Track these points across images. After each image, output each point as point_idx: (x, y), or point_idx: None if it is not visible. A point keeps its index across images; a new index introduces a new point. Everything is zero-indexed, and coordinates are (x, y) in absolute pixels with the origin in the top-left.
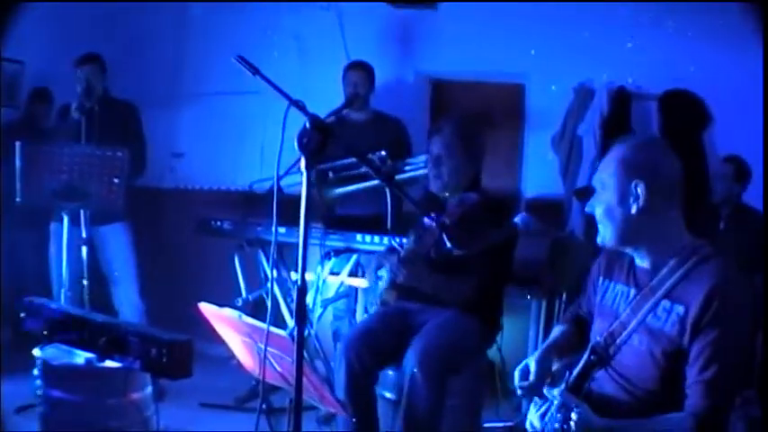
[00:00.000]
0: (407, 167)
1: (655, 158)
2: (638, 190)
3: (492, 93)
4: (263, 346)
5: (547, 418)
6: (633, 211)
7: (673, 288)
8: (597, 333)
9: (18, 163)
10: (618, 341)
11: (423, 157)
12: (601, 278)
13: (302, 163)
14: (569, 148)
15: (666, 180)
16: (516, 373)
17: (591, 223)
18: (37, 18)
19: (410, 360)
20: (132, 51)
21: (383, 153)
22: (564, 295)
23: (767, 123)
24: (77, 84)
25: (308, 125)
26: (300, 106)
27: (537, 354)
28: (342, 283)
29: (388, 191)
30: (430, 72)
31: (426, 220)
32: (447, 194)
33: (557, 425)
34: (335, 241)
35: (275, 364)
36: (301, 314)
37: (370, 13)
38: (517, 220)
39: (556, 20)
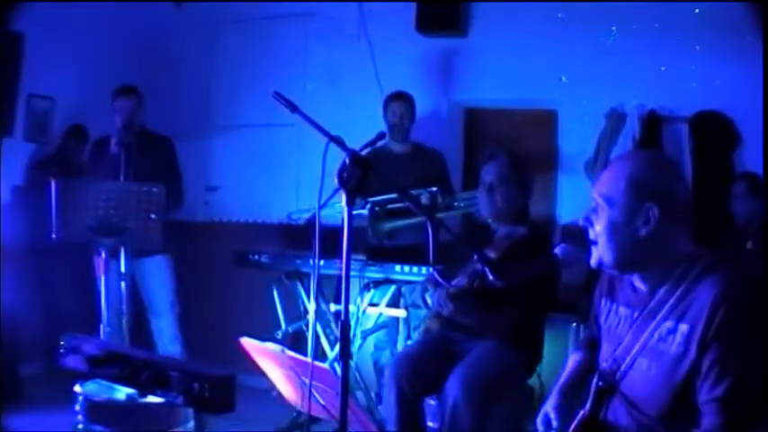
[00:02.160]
0: (457, 203)
1: (669, 180)
2: (651, 213)
3: (525, 120)
4: (306, 380)
5: None
6: (642, 234)
7: (675, 307)
8: (604, 358)
9: (54, 199)
10: (623, 367)
11: (472, 193)
12: (604, 300)
13: (343, 198)
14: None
15: (679, 203)
16: (539, 422)
17: None
18: (68, 53)
19: (453, 388)
20: (163, 84)
21: (434, 189)
22: None
23: (767, 126)
24: (116, 116)
25: (347, 161)
26: (339, 141)
27: (553, 400)
28: (381, 314)
29: (429, 225)
30: (463, 101)
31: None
32: (494, 225)
33: None
34: (374, 272)
35: (318, 397)
36: (346, 349)
37: (401, 42)
38: (557, 251)
39: (585, 45)
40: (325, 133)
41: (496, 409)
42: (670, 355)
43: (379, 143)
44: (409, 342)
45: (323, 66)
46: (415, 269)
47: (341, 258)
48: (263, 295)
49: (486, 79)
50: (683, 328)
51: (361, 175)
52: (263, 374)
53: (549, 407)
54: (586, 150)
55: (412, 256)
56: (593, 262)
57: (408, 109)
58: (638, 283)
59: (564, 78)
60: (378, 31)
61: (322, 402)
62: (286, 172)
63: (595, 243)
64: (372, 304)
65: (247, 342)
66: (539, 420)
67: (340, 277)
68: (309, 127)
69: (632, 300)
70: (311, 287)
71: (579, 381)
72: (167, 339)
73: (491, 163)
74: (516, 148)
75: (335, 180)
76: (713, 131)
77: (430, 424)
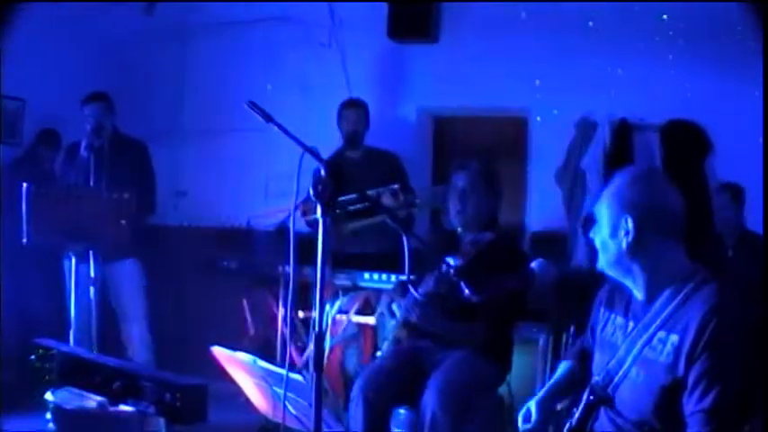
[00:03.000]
0: (417, 200)
1: (646, 193)
2: (628, 224)
3: (495, 127)
4: (278, 390)
5: None
6: (623, 245)
7: (668, 319)
8: (596, 369)
9: (24, 204)
10: (616, 379)
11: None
12: (602, 309)
13: (318, 210)
14: (573, 181)
15: (658, 215)
16: (519, 417)
17: (596, 256)
18: (38, 57)
19: (430, 399)
20: (133, 89)
21: (395, 186)
22: (572, 329)
23: (767, 133)
24: (86, 122)
25: (322, 173)
26: (314, 153)
27: (539, 396)
28: (350, 322)
29: (403, 234)
30: (432, 108)
31: (444, 266)
32: (462, 231)
33: None
34: (343, 280)
35: (290, 407)
36: (320, 360)
37: (371, 49)
38: (534, 266)
39: (557, 53)
40: (301, 144)
41: (470, 420)
42: (658, 363)
43: (334, 150)
44: (378, 352)
45: (293, 72)
46: (384, 276)
47: (308, 265)
48: (232, 301)
49: (457, 86)
50: (674, 338)
51: (335, 186)
52: (231, 380)
53: (532, 402)
54: (557, 159)
55: (378, 263)
56: (598, 266)
57: (362, 115)
58: (637, 293)
59: (536, 84)
60: (349, 37)
61: (294, 413)
62: (255, 177)
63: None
64: (342, 312)
65: (218, 351)
66: (520, 415)
67: (307, 284)
68: (279, 132)
69: (629, 310)
70: (280, 293)
71: (566, 387)
72: (138, 345)
73: (462, 171)
74: (486, 155)
75: (311, 192)
76: (684, 140)
77: None
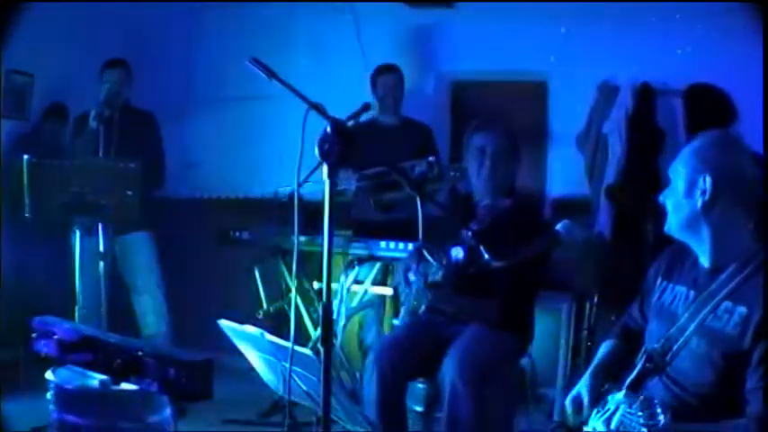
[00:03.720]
0: (450, 174)
1: (727, 156)
2: (706, 183)
3: (514, 92)
4: (286, 365)
5: (617, 421)
6: (698, 205)
7: (736, 289)
8: (653, 337)
9: (25, 177)
10: (675, 347)
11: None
12: (660, 278)
13: (324, 171)
14: (595, 146)
15: (736, 180)
16: (568, 403)
17: (621, 223)
18: (46, 30)
19: (448, 372)
20: (144, 60)
21: (432, 158)
22: (595, 299)
23: (767, 126)
24: (100, 91)
25: (328, 130)
26: (320, 109)
27: (586, 380)
28: (366, 292)
29: (418, 200)
30: (449, 73)
31: (463, 232)
32: (479, 196)
33: (639, 424)
34: (359, 249)
35: (299, 383)
36: (327, 334)
37: (387, 14)
38: (560, 227)
39: (577, 16)
40: (305, 99)
41: (491, 392)
42: (724, 333)
43: (368, 115)
44: (396, 321)
45: (307, 38)
46: (401, 245)
47: (322, 234)
48: (246, 273)
49: (474, 51)
50: (742, 310)
51: (343, 145)
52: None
53: (581, 388)
54: (578, 123)
55: (400, 231)
56: (665, 229)
57: (398, 81)
58: (703, 260)
59: (555, 50)
60: (364, 3)
61: (304, 388)
62: (270, 146)
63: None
64: (357, 282)
65: (226, 324)
66: (568, 401)
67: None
68: (294, 99)
69: (692, 280)
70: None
71: (611, 367)
72: (152, 318)
73: (484, 131)
74: (505, 121)
75: (317, 151)
76: (708, 104)
77: (417, 408)
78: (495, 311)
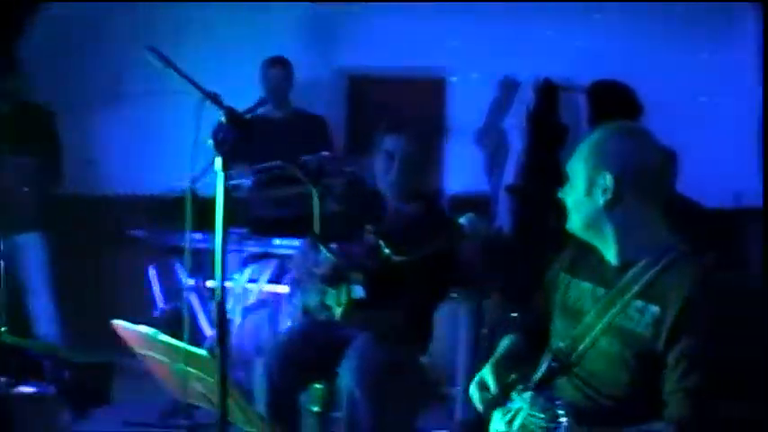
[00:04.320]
0: (344, 169)
1: (628, 149)
2: (607, 181)
3: (413, 88)
4: (182, 366)
5: (519, 423)
6: (600, 203)
7: (647, 287)
8: (559, 335)
9: None
10: (582, 346)
11: (358, 159)
12: (563, 274)
13: (218, 163)
14: (495, 142)
15: (639, 173)
16: (473, 388)
17: (522, 220)
18: None
19: (345, 378)
20: (42, 56)
21: (325, 153)
22: (494, 296)
23: (767, 121)
24: None
25: (223, 119)
26: (215, 98)
27: (489, 366)
28: (261, 291)
29: (315, 195)
30: (347, 67)
31: (367, 228)
32: (388, 199)
33: (540, 427)
34: (253, 246)
35: (197, 385)
36: (223, 334)
37: (286, 6)
38: (463, 220)
39: (479, 12)
40: (200, 89)
41: (390, 395)
42: (635, 334)
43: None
44: (288, 322)
45: (203, 29)
46: (296, 242)
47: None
48: (140, 271)
49: (373, 45)
50: (654, 309)
51: (238, 135)
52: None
53: (485, 372)
54: (477, 120)
55: (296, 228)
56: (567, 227)
57: (285, 74)
58: (609, 257)
59: (455, 45)
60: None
61: (201, 390)
62: (170, 141)
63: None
64: (252, 280)
65: (119, 325)
66: (473, 387)
67: (212, 252)
68: (191, 94)
69: (598, 276)
70: (188, 263)
71: (512, 361)
72: (44, 320)
73: (394, 135)
74: (403, 116)
75: (210, 141)
76: (612, 100)
77: (314, 409)
78: (397, 313)
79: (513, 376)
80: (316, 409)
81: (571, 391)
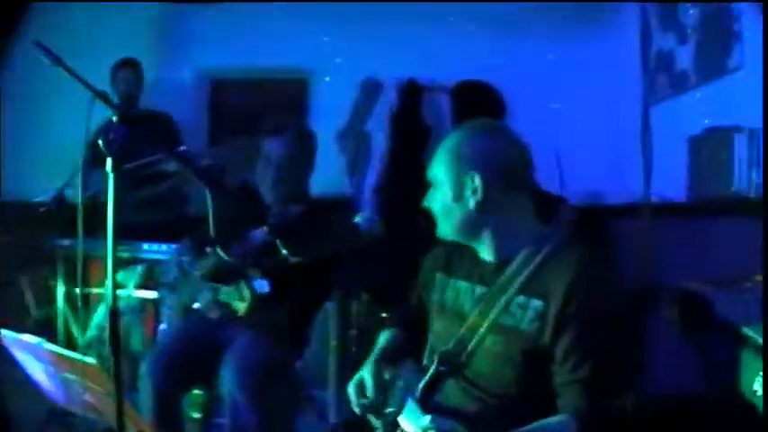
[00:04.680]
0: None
1: (491, 147)
2: (475, 182)
3: (275, 90)
4: (68, 376)
5: None
6: (471, 206)
7: (527, 282)
8: (441, 337)
9: None
10: (469, 347)
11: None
12: (438, 274)
13: (108, 164)
14: (357, 144)
15: (506, 169)
16: (351, 390)
17: (387, 222)
18: None
19: (227, 381)
20: None
21: (183, 148)
22: (362, 297)
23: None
24: None
25: (115, 119)
26: (106, 97)
27: (369, 367)
28: (131, 296)
29: (209, 194)
30: (209, 69)
31: (258, 230)
32: (270, 203)
33: None
34: (121, 251)
35: (83, 394)
36: (116, 340)
37: (145, 6)
38: (359, 220)
39: (341, 13)
40: (90, 88)
41: (272, 398)
42: (520, 330)
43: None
44: (162, 327)
45: (64, 31)
46: (164, 247)
47: (87, 236)
48: (11, 279)
49: (236, 48)
50: (537, 304)
51: (129, 136)
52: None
53: (364, 373)
54: (340, 121)
55: (163, 231)
56: (439, 234)
57: (137, 76)
58: (486, 255)
59: (318, 45)
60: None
61: (89, 399)
62: (50, 145)
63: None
64: (119, 286)
65: (5, 334)
66: (351, 387)
67: (86, 258)
68: (75, 94)
69: (476, 275)
70: (59, 269)
71: (393, 355)
72: None
73: (272, 137)
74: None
75: (101, 142)
76: (476, 101)
77: (194, 416)
78: (279, 314)
79: (387, 376)
80: (197, 415)
81: (459, 394)
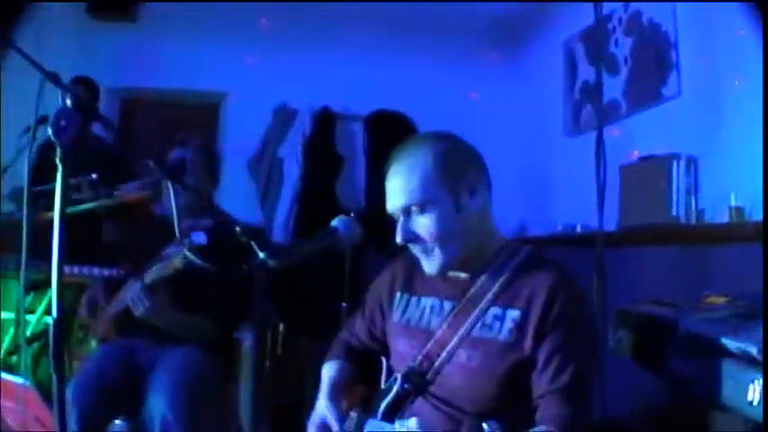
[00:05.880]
0: (118, 192)
1: (466, 150)
2: (473, 186)
3: (187, 112)
4: None
5: None
6: (475, 211)
7: (500, 293)
8: (403, 357)
9: None
10: (437, 363)
11: (138, 182)
12: (399, 293)
13: (58, 154)
14: (269, 170)
15: (483, 171)
16: (311, 428)
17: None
18: None
19: (158, 405)
20: None
21: (93, 176)
22: (280, 327)
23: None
24: None
25: (68, 102)
26: (56, 79)
27: (326, 404)
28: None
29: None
30: (119, 88)
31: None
32: (175, 217)
33: None
34: (32, 273)
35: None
36: (59, 362)
37: (62, 25)
38: (335, 223)
39: (257, 39)
40: (41, 69)
41: (204, 424)
42: (498, 342)
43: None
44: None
45: None
46: (75, 269)
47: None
48: None
49: (149, 67)
50: (514, 314)
51: (83, 124)
52: None
53: (322, 413)
54: (251, 146)
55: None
56: (430, 270)
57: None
58: (455, 273)
59: (232, 70)
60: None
61: (10, 423)
62: None
63: (426, 248)
64: (29, 311)
65: None
66: (312, 424)
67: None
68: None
69: (442, 290)
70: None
71: (344, 388)
72: None
73: (178, 147)
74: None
75: (50, 130)
76: (390, 130)
77: None
78: (213, 329)
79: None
80: None
81: (429, 412)
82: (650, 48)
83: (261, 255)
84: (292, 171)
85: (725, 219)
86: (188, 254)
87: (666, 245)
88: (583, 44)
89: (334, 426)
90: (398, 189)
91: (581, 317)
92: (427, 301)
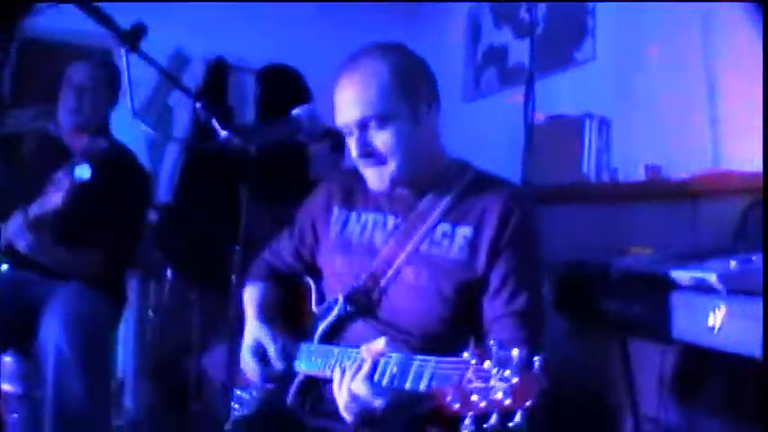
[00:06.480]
0: (11, 120)
1: (418, 58)
2: (429, 96)
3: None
4: None
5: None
6: (430, 123)
7: (449, 210)
8: (343, 277)
9: None
10: (383, 283)
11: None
12: (336, 209)
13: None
14: (159, 117)
15: (433, 80)
16: (249, 359)
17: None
18: None
19: (52, 335)
20: None
21: None
22: (167, 274)
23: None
24: None
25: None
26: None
27: (259, 327)
28: None
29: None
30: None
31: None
32: (70, 137)
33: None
34: None
35: None
36: None
37: None
38: (299, 111)
39: None
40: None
41: (98, 362)
42: (448, 260)
43: None
44: None
45: None
46: None
47: None
48: None
49: (43, 10)
50: (465, 231)
51: None
52: None
53: (257, 337)
54: (142, 94)
55: None
56: (376, 186)
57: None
58: (401, 189)
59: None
60: None
61: None
62: None
63: (382, 163)
64: None
65: None
66: (248, 355)
67: None
68: None
69: (386, 205)
70: None
71: (274, 310)
72: None
73: (82, 63)
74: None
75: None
76: (280, 84)
77: (6, 387)
78: (98, 264)
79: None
80: (12, 388)
81: (372, 335)
82: (565, 14)
83: (223, 133)
84: (183, 119)
85: (639, 178)
86: (68, 191)
87: (581, 204)
88: (490, 9)
89: (271, 347)
90: (353, 101)
91: (536, 236)
92: (369, 216)
